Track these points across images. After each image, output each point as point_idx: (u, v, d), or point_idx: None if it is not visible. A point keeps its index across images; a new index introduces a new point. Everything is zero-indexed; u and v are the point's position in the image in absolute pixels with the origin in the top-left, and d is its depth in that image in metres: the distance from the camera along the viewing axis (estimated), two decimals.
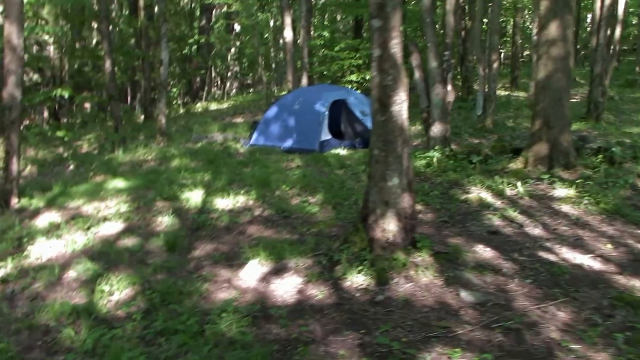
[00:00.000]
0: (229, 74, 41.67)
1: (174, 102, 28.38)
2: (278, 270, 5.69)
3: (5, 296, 5.29)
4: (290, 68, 16.02)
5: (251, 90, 42.78)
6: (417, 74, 10.69)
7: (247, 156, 12.02)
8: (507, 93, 21.51)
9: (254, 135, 13.41)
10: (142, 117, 21.59)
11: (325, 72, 19.19)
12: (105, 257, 6.24)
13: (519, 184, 8.10)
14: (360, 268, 5.31)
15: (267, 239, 6.69)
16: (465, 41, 18.32)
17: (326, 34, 20.14)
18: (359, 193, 8.43)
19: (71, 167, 12.33)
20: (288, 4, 16.30)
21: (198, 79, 34.24)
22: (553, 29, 8.85)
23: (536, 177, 8.73)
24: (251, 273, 5.68)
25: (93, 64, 23.55)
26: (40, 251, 6.59)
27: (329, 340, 4.15)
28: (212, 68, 35.95)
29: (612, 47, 15.67)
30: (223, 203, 8.33)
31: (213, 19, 34.52)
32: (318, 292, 5.08)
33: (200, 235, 7.00)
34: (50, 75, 22.47)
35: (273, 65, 43.38)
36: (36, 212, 8.34)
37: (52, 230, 7.34)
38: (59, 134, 13.94)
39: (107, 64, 15.14)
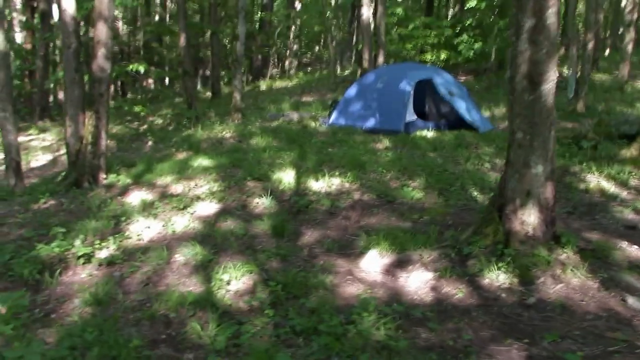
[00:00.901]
0: (288, 52, 41.26)
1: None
2: (401, 262, 5.20)
3: (115, 280, 4.95)
4: (367, 46, 15.40)
5: (308, 69, 42.32)
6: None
7: (330, 136, 11.55)
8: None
9: (334, 115, 12.92)
10: (210, 94, 21.36)
11: (402, 52, 18.43)
12: (210, 240, 5.87)
13: None
14: (500, 264, 4.75)
15: (379, 226, 6.21)
16: None
17: (399, 11, 19.35)
18: (463, 178, 7.89)
19: (150, 143, 12.10)
20: None
21: (259, 57, 33.86)
22: None
23: None
24: (372, 264, 5.21)
25: (160, 39, 23.40)
26: (140, 231, 6.27)
27: (491, 349, 3.64)
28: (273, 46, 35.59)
29: None
30: (317, 185, 7.89)
31: None
32: (456, 291, 4.56)
33: (304, 219, 6.57)
34: (118, 51, 22.44)
35: (333, 44, 42.85)
36: (125, 189, 8.08)
37: (147, 208, 7.03)
38: (137, 109, 13.72)
39: (182, 39, 14.84)
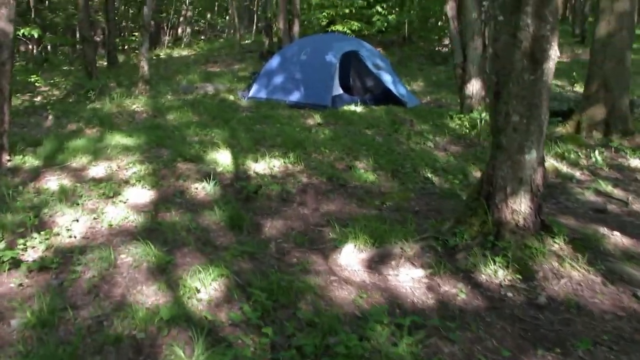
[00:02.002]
0: (181, 19, 39.48)
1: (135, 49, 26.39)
2: (382, 257, 4.72)
3: (55, 289, 4.11)
4: (283, 14, 14.68)
5: (202, 37, 40.80)
6: (452, 25, 9.69)
7: (254, 110, 10.85)
8: None
9: (254, 87, 12.19)
10: (106, 63, 19.79)
11: (316, 20, 17.79)
12: (157, 235, 5.10)
13: (596, 152, 7.31)
14: (496, 259, 4.38)
15: (342, 214, 5.70)
16: None
17: None
18: (411, 158, 7.53)
19: (50, 117, 10.83)
20: None
21: (153, 24, 32.03)
22: None
23: (596, 144, 7.98)
24: (350, 259, 4.70)
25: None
26: (68, 225, 5.37)
27: None
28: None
29: None
30: (258, 167, 7.26)
31: None
32: (455, 290, 4.14)
33: (256, 207, 5.93)
34: None
35: (234, 11, 41.45)
36: (36, 173, 7.04)
37: (69, 197, 6.09)
38: (32, 78, 12.26)
39: (81, 3, 13.43)
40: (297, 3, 15.24)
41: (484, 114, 8.72)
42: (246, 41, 27.97)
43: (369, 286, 4.23)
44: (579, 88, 13.67)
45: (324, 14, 17.88)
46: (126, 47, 27.18)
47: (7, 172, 7.16)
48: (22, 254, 4.66)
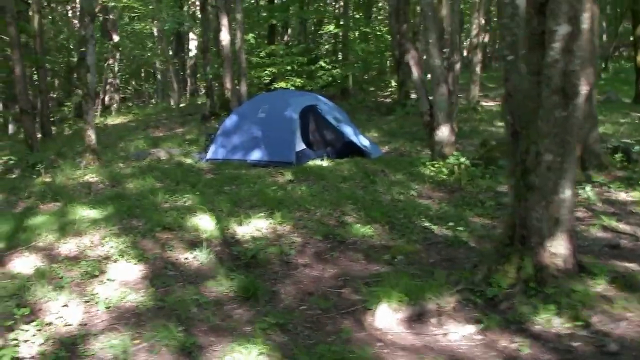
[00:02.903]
0: (107, 87, 38.73)
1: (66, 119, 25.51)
2: (419, 315, 4.40)
3: None
4: (229, 74, 14.45)
5: (129, 104, 40.05)
6: (415, 74, 9.69)
7: (218, 172, 10.42)
8: None
9: (211, 149, 11.78)
10: (40, 134, 18.86)
11: (260, 79, 17.64)
12: (168, 315, 4.59)
13: (587, 188, 7.28)
14: (545, 306, 4.12)
15: (358, 272, 5.37)
16: (400, 44, 17.58)
17: (250, 38, 18.66)
18: (399, 209, 7.28)
19: None
20: (223, 4, 14.70)
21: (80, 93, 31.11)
22: None
23: (579, 181, 7.99)
24: (387, 321, 4.34)
25: None
26: (57, 312, 4.78)
27: None
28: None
29: None
30: (243, 230, 6.84)
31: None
32: (516, 345, 3.85)
33: (260, 273, 5.50)
34: None
35: (158, 77, 41.02)
36: (1, 255, 6.36)
37: (49, 280, 5.48)
38: None
39: (17, 71, 12.77)
40: (243, 62, 15.06)
41: (462, 159, 8.64)
42: (181, 104, 27.54)
43: (421, 349, 3.89)
44: None
45: (266, 72, 17.78)
46: (54, 118, 26.20)
47: None
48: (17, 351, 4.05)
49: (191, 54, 32.55)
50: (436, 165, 9.10)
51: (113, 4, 21.87)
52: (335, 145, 12.02)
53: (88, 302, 4.99)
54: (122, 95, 43.55)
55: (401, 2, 16.56)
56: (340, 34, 18.52)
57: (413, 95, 19.20)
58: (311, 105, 11.64)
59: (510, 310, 4.26)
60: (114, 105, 36.22)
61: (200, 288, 5.13)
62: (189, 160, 12.03)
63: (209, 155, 11.68)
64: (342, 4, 23.01)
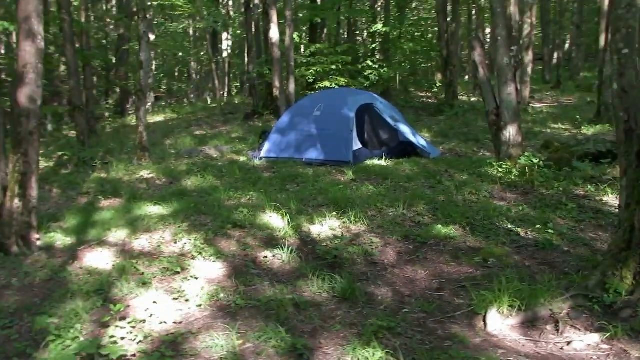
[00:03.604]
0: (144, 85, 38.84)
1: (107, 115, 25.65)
2: (532, 322, 4.18)
3: None
4: (277, 72, 14.29)
5: (162, 103, 40.18)
6: (481, 72, 9.42)
7: (275, 170, 10.27)
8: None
9: (265, 147, 11.62)
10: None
11: (304, 78, 17.47)
12: (264, 314, 4.42)
13: None
14: None
15: (449, 275, 5.15)
16: (448, 44, 17.33)
17: (295, 37, 18.49)
18: (479, 210, 7.03)
19: (54, 190, 9.99)
20: (274, 1, 14.57)
21: (118, 91, 31.42)
22: None
23: None
24: (499, 327, 4.12)
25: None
26: (147, 309, 4.63)
27: None
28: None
29: None
30: (317, 229, 6.66)
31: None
32: None
33: (349, 274, 5.28)
34: None
35: (195, 76, 41.15)
36: (73, 251, 6.27)
37: (130, 275, 5.35)
38: None
39: (72, 67, 12.76)
40: (291, 60, 14.90)
41: (535, 160, 8.36)
42: (221, 104, 27.52)
43: (549, 358, 3.63)
44: (586, 130, 13.63)
45: (310, 71, 17.61)
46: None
47: (39, 251, 6.36)
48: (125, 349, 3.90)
49: (225, 54, 32.53)
50: (504, 166, 8.82)
51: (157, 2, 21.83)
52: (390, 145, 11.81)
53: (177, 299, 4.84)
54: (155, 95, 43.84)
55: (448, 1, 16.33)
56: (385, 32, 18.21)
57: (461, 97, 18.97)
58: (368, 104, 11.43)
59: (634, 319, 4.01)
60: (149, 104, 36.37)
61: (290, 288, 4.94)
62: (242, 158, 11.92)
63: (263, 153, 11.53)
64: (382, 2, 22.91)
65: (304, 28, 22.17)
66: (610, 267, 4.43)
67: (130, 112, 30.06)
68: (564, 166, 8.62)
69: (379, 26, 16.84)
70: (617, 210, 6.73)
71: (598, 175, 8.44)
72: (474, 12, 26.62)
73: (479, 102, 19.81)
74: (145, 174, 10.64)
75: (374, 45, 17.80)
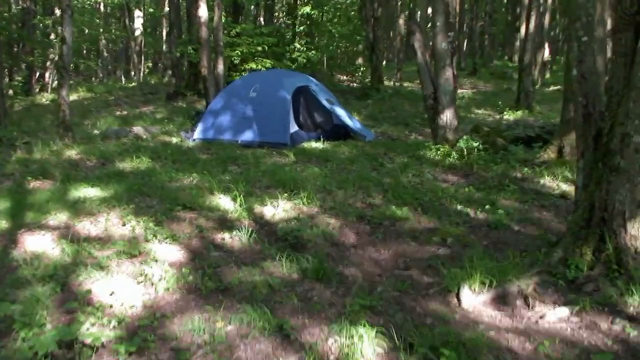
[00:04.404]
0: (48, 63, 37.08)
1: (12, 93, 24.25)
2: (502, 297, 4.32)
3: None
4: (206, 51, 13.94)
5: (71, 82, 38.44)
6: (419, 56, 9.61)
7: (213, 152, 10.09)
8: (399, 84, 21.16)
9: (199, 128, 11.39)
10: None
11: (230, 59, 17.13)
12: (238, 297, 4.35)
13: None
14: (637, 287, 4.11)
15: (416, 254, 5.26)
16: (375, 29, 17.51)
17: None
18: (426, 191, 7.19)
19: None
20: None
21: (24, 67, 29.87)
22: None
23: None
24: (473, 303, 4.25)
25: None
26: (111, 295, 4.44)
27: None
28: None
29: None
30: (269, 211, 6.61)
31: None
32: (619, 327, 3.82)
33: (314, 255, 5.27)
34: None
35: (105, 54, 39.57)
36: (12, 235, 5.92)
37: (83, 260, 5.12)
38: None
39: None
40: (220, 40, 14.59)
41: (474, 143, 8.63)
42: (133, 84, 26.65)
43: (529, 332, 3.80)
44: (507, 116, 14.20)
45: (236, 52, 17.33)
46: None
47: None
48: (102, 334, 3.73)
49: (138, 32, 31.46)
50: (442, 149, 9.05)
51: None
52: (325, 127, 11.85)
53: (141, 282, 4.67)
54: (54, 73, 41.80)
55: None
56: (310, 14, 18.17)
57: (386, 82, 19.25)
58: (303, 86, 11.40)
59: (597, 293, 4.23)
60: (55, 82, 34.65)
61: (258, 269, 4.87)
62: (174, 140, 11.62)
63: (197, 134, 11.30)
64: None
65: (226, 8, 21.72)
66: (571, 245, 4.64)
67: (36, 90, 28.61)
68: (499, 150, 8.95)
69: (307, 9, 16.80)
70: (555, 192, 7.12)
71: (531, 158, 8.82)
72: None
73: (402, 86, 20.27)
74: (72, 154, 10.16)
75: (301, 28, 17.72)
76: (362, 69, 19.52)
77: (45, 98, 24.46)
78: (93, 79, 38.56)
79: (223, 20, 17.63)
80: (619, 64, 4.42)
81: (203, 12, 13.92)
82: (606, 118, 4.56)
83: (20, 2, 30.95)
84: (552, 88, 19.59)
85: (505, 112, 14.33)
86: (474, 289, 4.37)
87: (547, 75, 21.48)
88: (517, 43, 30.10)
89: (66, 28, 11.86)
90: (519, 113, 14.36)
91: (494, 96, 17.82)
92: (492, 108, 15.38)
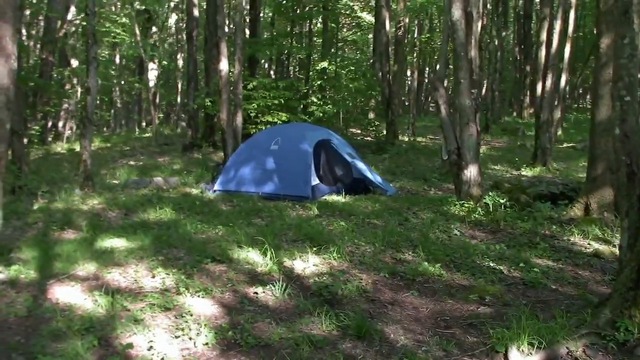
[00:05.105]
0: (62, 112, 37.54)
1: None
2: (551, 359, 4.19)
3: None
4: (225, 105, 14.11)
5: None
6: (443, 111, 9.67)
7: (234, 204, 10.06)
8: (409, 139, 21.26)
9: (219, 179, 11.40)
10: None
11: (247, 112, 17.29)
12: (276, 355, 4.25)
13: None
14: None
15: (452, 313, 5.15)
16: (390, 84, 17.73)
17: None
18: (455, 248, 7.12)
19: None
20: (224, 33, 14.47)
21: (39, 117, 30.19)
22: None
23: (616, 225, 8.05)
24: None
25: None
26: (154, 348, 4.35)
27: None
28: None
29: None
30: (299, 265, 6.54)
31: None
32: None
33: (352, 311, 5.18)
34: None
35: (118, 104, 40.11)
36: (41, 285, 5.86)
37: (119, 313, 5.04)
38: None
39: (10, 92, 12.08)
40: (240, 93, 14.78)
41: (501, 200, 8.59)
42: (148, 134, 26.91)
43: None
44: (525, 172, 14.19)
45: (252, 105, 17.52)
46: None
47: (4, 286, 5.90)
48: None
49: (151, 83, 31.96)
50: (466, 205, 9.01)
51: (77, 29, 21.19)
52: (344, 181, 11.85)
53: (179, 337, 4.58)
54: (77, 122, 42.23)
55: (390, 44, 16.76)
56: (325, 69, 18.46)
57: (402, 137, 19.37)
58: (324, 140, 11.46)
59: None
60: (68, 132, 34.99)
61: (297, 325, 4.78)
62: (194, 191, 11.61)
63: (217, 186, 11.29)
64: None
65: (243, 62, 22.06)
66: (619, 306, 4.55)
67: (49, 139, 28.85)
68: (524, 207, 8.90)
69: (324, 64, 17.05)
70: (587, 251, 7.03)
71: (557, 216, 8.76)
72: (415, 54, 27.56)
73: (416, 141, 20.38)
74: (94, 203, 10.16)
75: (319, 82, 17.95)
76: (376, 123, 19.66)
77: (60, 147, 24.69)
78: (105, 128, 38.96)
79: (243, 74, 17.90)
80: None
81: (224, 65, 14.12)
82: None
83: (37, 53, 31.50)
84: (564, 145, 19.64)
85: (522, 169, 14.32)
86: (522, 350, 4.26)
87: (559, 132, 21.55)
88: (527, 100, 30.55)
89: (91, 79, 12.03)
90: (537, 170, 14.35)
91: (509, 152, 17.87)
92: (508, 164, 15.38)
